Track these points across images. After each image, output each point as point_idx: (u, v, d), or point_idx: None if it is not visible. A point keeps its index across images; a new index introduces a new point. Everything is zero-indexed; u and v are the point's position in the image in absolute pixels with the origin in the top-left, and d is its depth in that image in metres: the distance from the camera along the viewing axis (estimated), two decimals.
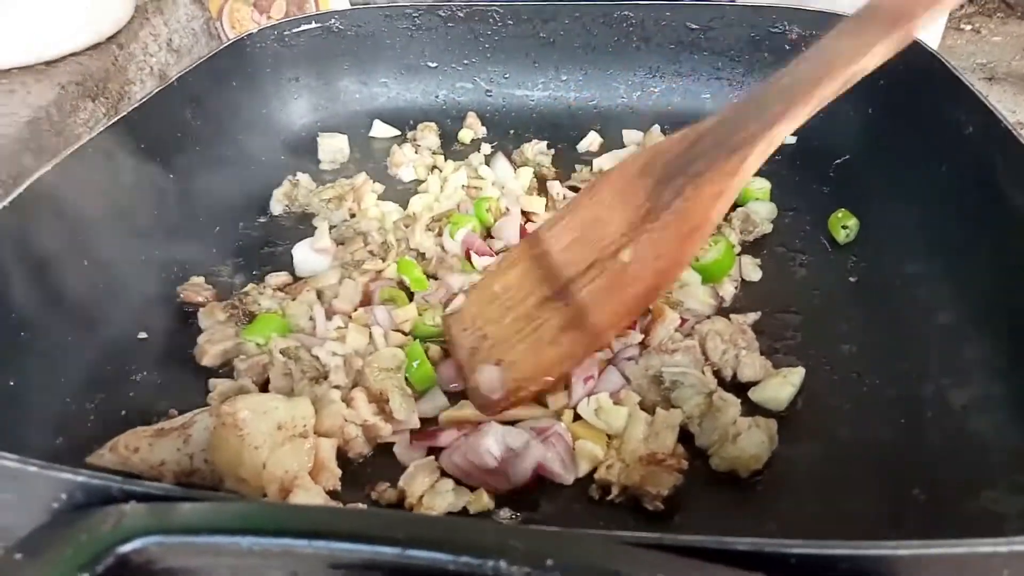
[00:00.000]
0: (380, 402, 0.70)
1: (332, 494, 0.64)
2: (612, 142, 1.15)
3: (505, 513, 0.63)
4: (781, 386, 0.72)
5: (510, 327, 0.68)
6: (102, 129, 0.85)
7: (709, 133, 0.67)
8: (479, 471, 0.63)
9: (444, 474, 0.66)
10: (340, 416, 0.67)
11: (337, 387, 0.70)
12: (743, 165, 0.61)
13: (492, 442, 0.63)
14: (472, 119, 1.20)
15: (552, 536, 0.38)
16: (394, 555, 0.36)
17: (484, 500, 0.63)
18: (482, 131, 1.19)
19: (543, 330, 0.67)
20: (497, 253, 0.90)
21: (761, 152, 0.62)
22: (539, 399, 0.71)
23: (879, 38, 0.58)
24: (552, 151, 1.13)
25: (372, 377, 0.70)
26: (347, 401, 0.69)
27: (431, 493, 0.63)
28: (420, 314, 0.81)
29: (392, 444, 0.70)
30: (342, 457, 0.67)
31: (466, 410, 0.70)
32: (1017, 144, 0.74)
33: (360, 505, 0.63)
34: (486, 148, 1.15)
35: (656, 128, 1.14)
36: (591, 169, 1.10)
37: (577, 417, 0.70)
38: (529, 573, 0.35)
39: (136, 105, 0.90)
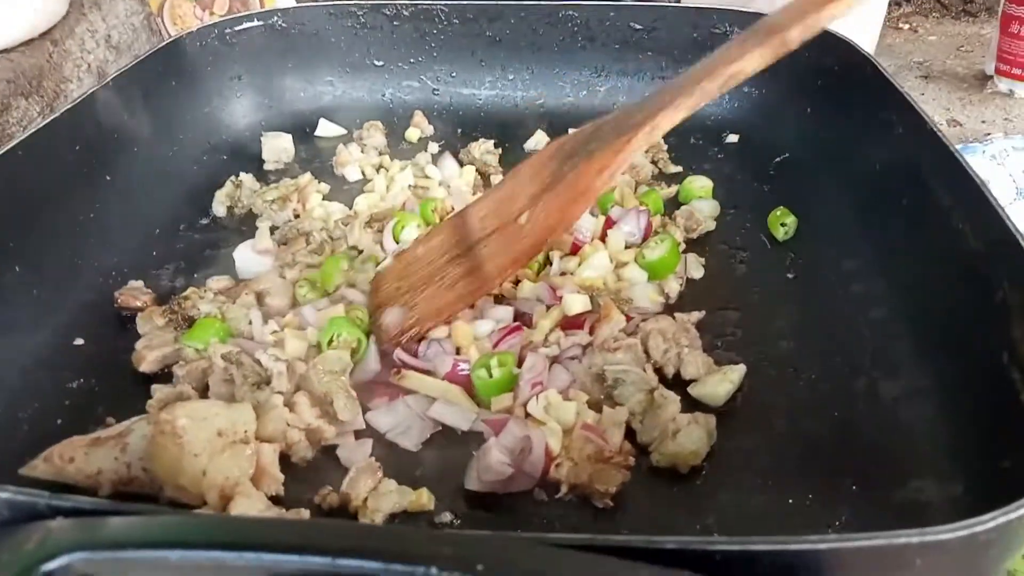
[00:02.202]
0: (323, 405, 0.70)
1: (275, 499, 0.63)
2: None
3: (446, 517, 0.63)
4: (720, 383, 0.74)
5: (420, 279, 0.81)
6: (35, 129, 0.82)
7: (609, 121, 0.77)
8: (503, 483, 0.65)
9: (387, 475, 0.66)
10: (283, 421, 0.67)
11: (280, 392, 0.69)
12: (628, 145, 0.71)
13: (497, 454, 0.65)
14: (419, 118, 1.19)
15: (482, 540, 0.38)
16: (325, 565, 0.36)
17: (424, 499, 0.63)
18: (429, 130, 1.19)
19: (446, 279, 0.80)
20: None
21: (645, 135, 0.71)
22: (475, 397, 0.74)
23: (756, 46, 0.67)
24: (499, 150, 1.13)
25: (316, 379, 0.70)
26: (289, 406, 0.69)
27: (374, 495, 0.63)
28: (346, 312, 0.80)
29: (335, 447, 0.70)
30: (285, 461, 0.67)
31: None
32: (942, 145, 0.77)
33: (303, 511, 0.62)
34: (433, 147, 1.15)
35: None
36: None
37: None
38: None
39: (71, 105, 0.88)
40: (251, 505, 0.59)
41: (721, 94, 0.70)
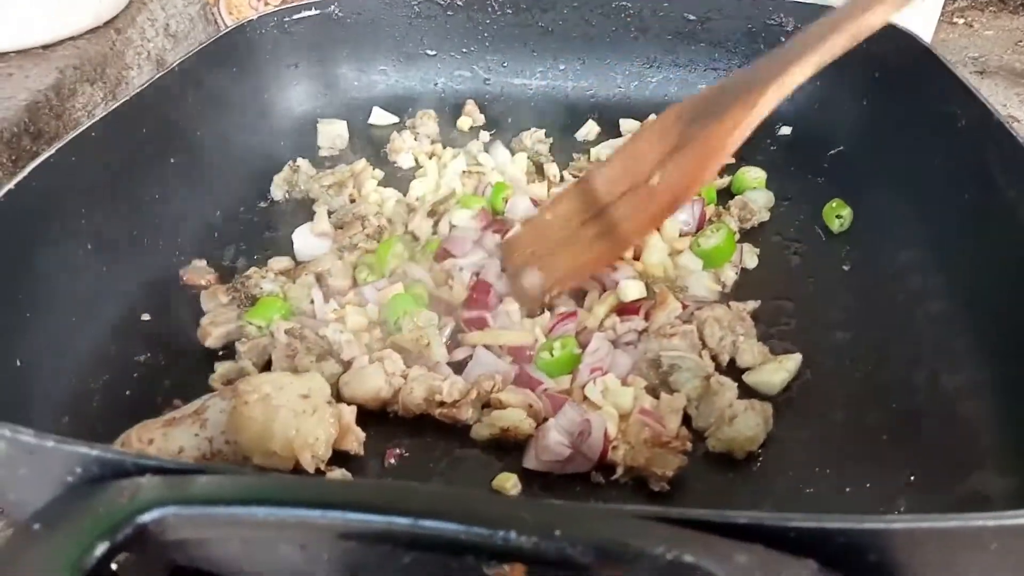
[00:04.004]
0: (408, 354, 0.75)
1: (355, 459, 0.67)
2: (609, 131, 1.16)
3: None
4: (775, 371, 0.74)
5: (553, 242, 0.83)
6: (105, 113, 0.85)
7: (735, 80, 0.77)
8: (561, 464, 0.66)
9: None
10: (382, 373, 0.71)
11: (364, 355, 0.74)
12: (758, 102, 0.71)
13: (556, 435, 0.65)
14: (471, 107, 1.20)
15: (561, 508, 0.39)
16: (406, 525, 0.37)
17: (509, 484, 0.66)
18: (480, 119, 1.20)
19: (581, 242, 0.81)
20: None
21: (774, 91, 0.71)
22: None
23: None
24: (550, 139, 1.14)
25: (407, 330, 0.76)
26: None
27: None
28: (405, 289, 0.82)
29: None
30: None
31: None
32: (1010, 137, 0.76)
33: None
34: (484, 136, 1.16)
35: (653, 117, 1.14)
36: (588, 158, 1.11)
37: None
38: (537, 543, 0.36)
39: (139, 90, 0.90)
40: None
41: (846, 50, 0.70)
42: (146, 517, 0.38)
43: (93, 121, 0.84)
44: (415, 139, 1.14)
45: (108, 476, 0.44)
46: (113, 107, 0.87)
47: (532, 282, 0.82)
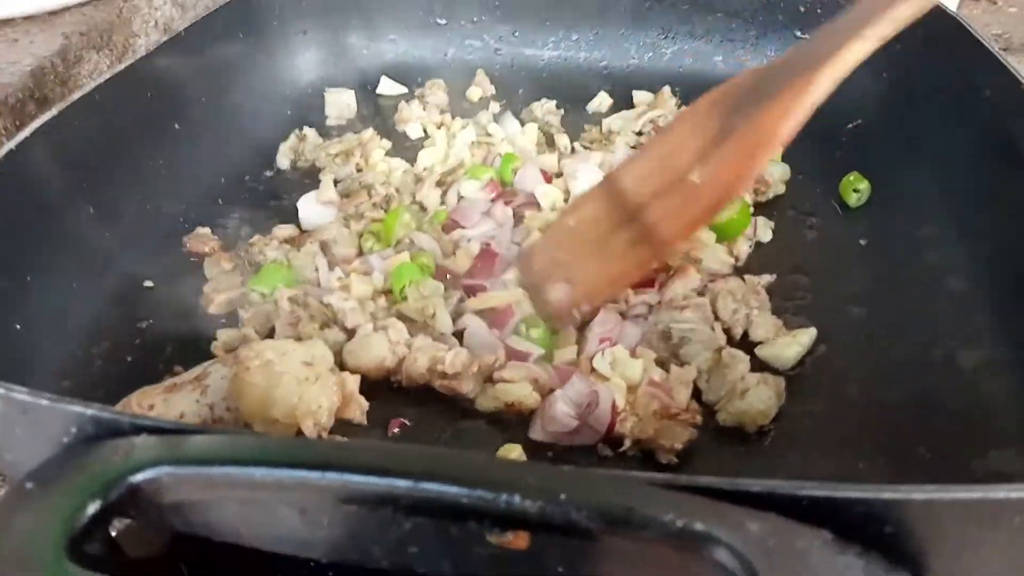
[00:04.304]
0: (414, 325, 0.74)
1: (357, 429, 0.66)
2: (621, 103, 1.14)
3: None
4: (789, 345, 0.72)
5: (580, 251, 0.74)
6: (111, 75, 0.83)
7: (780, 64, 0.68)
8: (567, 435, 0.64)
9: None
10: (386, 342, 0.69)
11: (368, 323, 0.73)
12: (812, 85, 0.63)
13: (562, 406, 0.64)
14: (481, 77, 1.18)
15: (566, 472, 0.38)
16: (407, 488, 0.36)
17: (515, 454, 0.64)
18: (491, 90, 1.18)
19: (612, 249, 0.72)
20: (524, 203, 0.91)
21: (831, 71, 0.63)
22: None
23: None
24: (561, 111, 1.12)
25: (413, 300, 0.74)
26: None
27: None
28: (411, 258, 0.81)
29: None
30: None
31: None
32: None
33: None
34: (495, 107, 1.14)
35: (667, 89, 1.12)
36: (600, 129, 1.08)
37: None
38: (542, 507, 0.35)
39: (143, 55, 0.89)
40: None
41: (915, 19, 0.62)
42: (139, 477, 0.37)
43: (97, 83, 0.82)
44: (424, 109, 1.12)
45: (104, 436, 0.43)
46: (117, 70, 0.85)
47: (558, 296, 0.72)
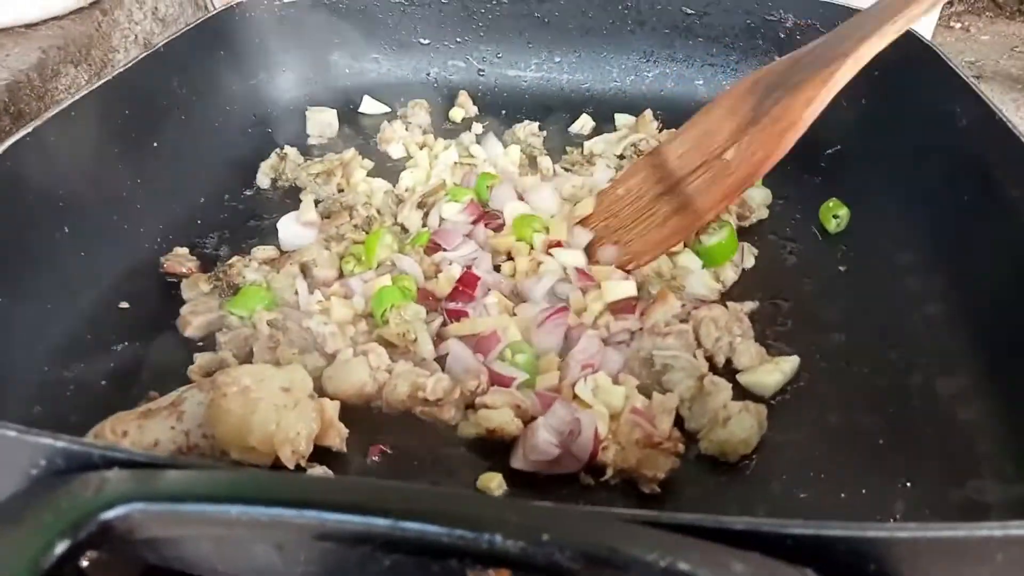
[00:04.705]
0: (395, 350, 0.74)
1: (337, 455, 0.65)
2: (604, 125, 1.14)
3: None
4: (771, 372, 0.72)
5: (628, 217, 0.85)
6: (87, 91, 0.82)
7: (809, 54, 0.76)
8: (549, 464, 0.64)
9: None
10: (366, 368, 0.69)
11: (348, 348, 0.72)
12: (834, 75, 0.71)
13: (545, 434, 0.63)
14: (464, 98, 1.18)
15: (548, 511, 0.37)
16: (386, 527, 0.35)
17: (494, 484, 0.63)
18: (473, 110, 1.18)
19: (654, 217, 0.83)
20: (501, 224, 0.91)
21: (851, 64, 0.72)
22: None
23: None
24: (543, 133, 1.12)
25: (395, 324, 0.74)
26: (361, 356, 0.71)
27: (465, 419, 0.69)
28: (393, 281, 0.80)
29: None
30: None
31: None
32: (1012, 136, 0.74)
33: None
34: (477, 128, 1.14)
35: (648, 112, 1.12)
36: (582, 151, 1.09)
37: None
38: (524, 548, 0.34)
39: (121, 70, 0.88)
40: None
41: (926, 14, 0.71)
42: (111, 514, 0.36)
43: (73, 99, 0.81)
44: (406, 129, 1.12)
45: (74, 469, 0.42)
46: (95, 86, 0.84)
47: (607, 256, 0.84)
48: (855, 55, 0.71)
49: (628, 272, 0.82)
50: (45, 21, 1.21)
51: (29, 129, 0.74)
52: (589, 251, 0.85)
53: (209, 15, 1.05)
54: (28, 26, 1.19)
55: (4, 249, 0.71)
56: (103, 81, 0.85)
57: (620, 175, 0.91)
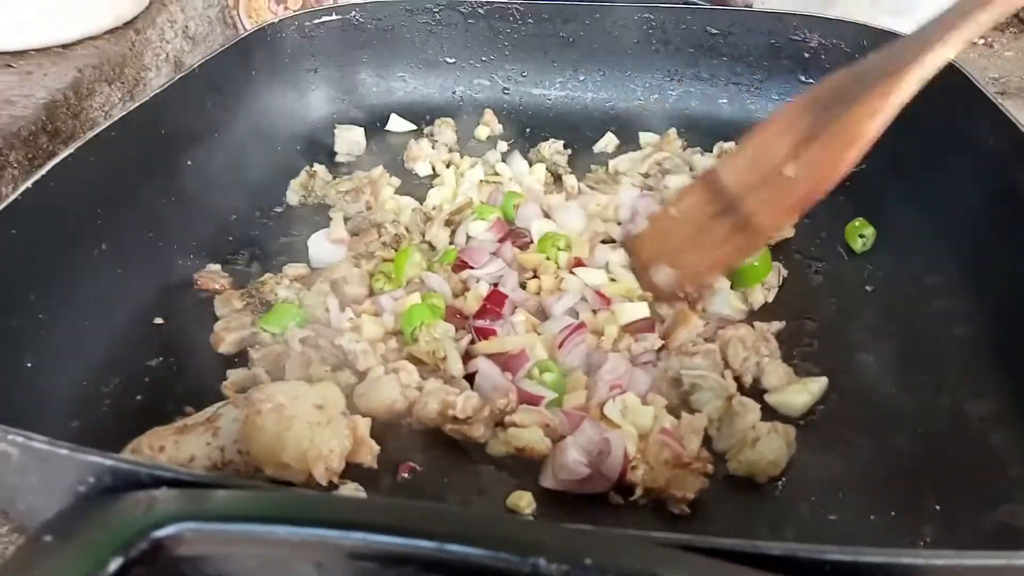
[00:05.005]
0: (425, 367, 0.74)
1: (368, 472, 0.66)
2: (628, 144, 1.15)
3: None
4: (798, 393, 0.72)
5: (683, 238, 0.83)
6: (124, 113, 0.84)
7: (869, 65, 0.73)
8: (578, 483, 0.64)
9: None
10: (397, 385, 0.69)
11: (379, 366, 0.73)
12: (899, 85, 0.69)
13: (574, 453, 0.64)
14: (489, 116, 1.20)
15: (591, 535, 0.38)
16: (431, 549, 0.36)
17: (523, 503, 0.64)
18: (499, 129, 1.19)
19: (711, 237, 0.80)
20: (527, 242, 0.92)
21: (916, 75, 0.69)
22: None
23: None
24: (568, 151, 1.13)
25: (424, 342, 0.74)
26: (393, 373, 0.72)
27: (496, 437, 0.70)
28: (422, 299, 0.81)
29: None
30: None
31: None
32: None
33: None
34: (503, 146, 1.15)
35: (673, 131, 1.13)
36: (607, 170, 1.09)
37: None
38: (567, 572, 0.35)
39: (158, 90, 0.90)
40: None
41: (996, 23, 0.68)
42: (162, 532, 0.37)
43: (112, 121, 0.83)
44: (433, 147, 1.13)
45: (121, 487, 0.43)
46: (132, 107, 0.86)
47: (662, 278, 0.82)
48: (921, 62, 0.68)
49: (687, 295, 0.81)
50: (81, 41, 1.23)
51: (71, 149, 0.76)
52: (640, 274, 0.84)
53: (241, 36, 1.08)
54: (64, 46, 1.22)
55: (46, 267, 0.73)
56: (141, 102, 0.87)
57: (674, 197, 0.90)
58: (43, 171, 0.72)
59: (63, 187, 0.75)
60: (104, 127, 0.81)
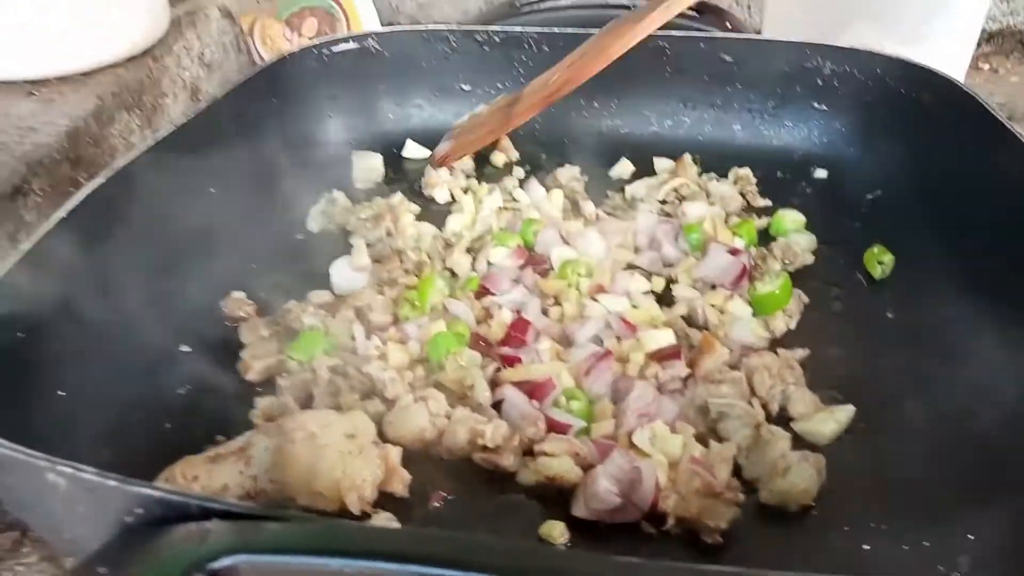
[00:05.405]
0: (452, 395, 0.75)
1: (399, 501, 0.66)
2: (643, 169, 1.16)
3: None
4: (825, 421, 0.73)
5: (472, 123, 1.16)
6: (153, 142, 0.85)
7: (633, 12, 1.08)
8: (610, 512, 0.64)
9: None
10: (426, 414, 0.70)
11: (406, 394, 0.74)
12: (643, 21, 0.99)
13: (605, 483, 0.64)
14: (505, 142, 1.20)
15: (655, 568, 0.38)
16: None
17: (556, 532, 0.64)
18: (515, 155, 1.20)
19: (486, 120, 1.14)
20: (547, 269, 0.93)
21: (656, 17, 0.99)
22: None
23: None
24: (584, 177, 1.14)
25: (452, 370, 0.76)
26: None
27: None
28: (447, 327, 0.82)
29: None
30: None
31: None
32: None
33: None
34: (518, 172, 1.16)
35: (688, 156, 1.14)
36: (624, 195, 1.10)
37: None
38: None
39: (184, 120, 0.91)
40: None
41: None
42: (218, 564, 0.37)
43: (139, 152, 0.84)
44: (450, 174, 1.14)
45: (170, 519, 0.43)
46: (160, 137, 0.87)
47: (440, 149, 1.14)
48: (662, 11, 0.98)
49: (447, 160, 1.11)
50: (101, 69, 1.25)
51: (101, 180, 0.77)
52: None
53: (264, 65, 1.09)
54: (85, 74, 1.23)
55: (77, 295, 0.73)
56: (167, 132, 0.88)
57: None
58: (76, 201, 0.73)
59: (93, 216, 0.76)
60: (131, 157, 0.82)
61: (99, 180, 0.77)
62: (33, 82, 1.20)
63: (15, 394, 0.64)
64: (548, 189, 1.10)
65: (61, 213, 0.71)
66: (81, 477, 0.45)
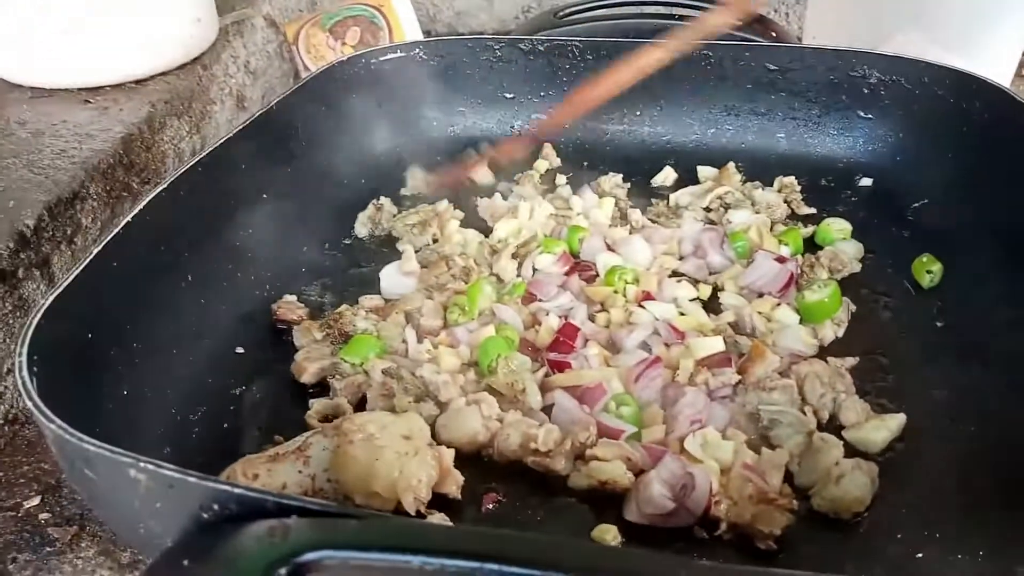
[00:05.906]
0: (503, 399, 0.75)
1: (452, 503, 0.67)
2: (686, 178, 1.17)
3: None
4: (877, 429, 0.72)
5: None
6: (211, 149, 0.88)
7: None
8: (663, 517, 0.65)
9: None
10: (479, 417, 0.71)
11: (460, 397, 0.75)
12: None
13: (659, 487, 0.65)
14: (548, 150, 1.22)
15: (725, 571, 0.38)
16: None
17: (609, 536, 0.65)
18: (557, 162, 1.21)
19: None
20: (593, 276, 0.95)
21: None
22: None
23: None
24: (627, 184, 1.14)
25: (503, 374, 0.76)
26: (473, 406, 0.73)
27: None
28: (496, 331, 0.83)
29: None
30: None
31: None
32: None
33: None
34: (561, 179, 1.17)
35: (731, 164, 1.14)
36: (667, 203, 1.11)
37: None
38: None
39: (240, 128, 0.93)
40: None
41: None
42: (303, 558, 0.39)
43: (199, 157, 0.86)
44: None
45: (246, 515, 0.44)
46: (219, 143, 0.90)
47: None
48: None
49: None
50: (153, 77, 1.28)
51: (164, 186, 0.79)
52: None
53: (313, 74, 1.11)
54: (138, 81, 1.27)
55: (139, 298, 0.75)
56: (224, 138, 0.91)
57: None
58: (141, 205, 0.76)
59: (154, 222, 0.78)
60: (190, 165, 0.84)
61: (161, 186, 0.79)
62: (90, 90, 1.23)
63: (87, 393, 0.66)
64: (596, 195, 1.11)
65: (128, 217, 0.74)
66: (162, 473, 0.46)
